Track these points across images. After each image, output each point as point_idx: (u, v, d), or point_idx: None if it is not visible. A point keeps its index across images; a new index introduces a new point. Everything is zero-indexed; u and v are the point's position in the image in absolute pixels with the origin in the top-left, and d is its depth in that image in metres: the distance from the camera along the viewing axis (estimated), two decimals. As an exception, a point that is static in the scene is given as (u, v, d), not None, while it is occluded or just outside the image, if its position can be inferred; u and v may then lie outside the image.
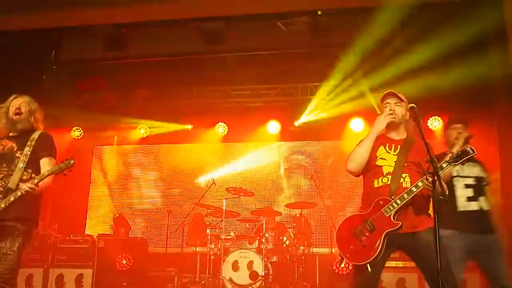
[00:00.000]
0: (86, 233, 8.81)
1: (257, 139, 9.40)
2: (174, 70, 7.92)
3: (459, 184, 4.30)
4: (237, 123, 9.32)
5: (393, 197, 3.47)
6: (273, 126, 9.26)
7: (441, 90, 6.94)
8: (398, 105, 3.72)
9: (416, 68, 6.76)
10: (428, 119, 8.41)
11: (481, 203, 4.29)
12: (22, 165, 3.78)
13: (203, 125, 9.49)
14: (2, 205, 3.61)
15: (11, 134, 4.01)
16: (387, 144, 3.73)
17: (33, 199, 3.76)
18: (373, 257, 3.40)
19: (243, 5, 6.38)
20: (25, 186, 3.60)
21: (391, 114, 3.68)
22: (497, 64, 6.10)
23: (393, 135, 3.79)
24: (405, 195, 3.43)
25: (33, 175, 3.73)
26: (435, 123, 8.40)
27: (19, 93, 4.10)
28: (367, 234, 3.47)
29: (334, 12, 6.67)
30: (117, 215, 8.41)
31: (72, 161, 3.68)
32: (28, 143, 3.87)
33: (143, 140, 9.70)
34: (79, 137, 9.65)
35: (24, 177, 3.76)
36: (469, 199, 4.28)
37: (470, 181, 4.32)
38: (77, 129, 9.64)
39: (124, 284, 7.28)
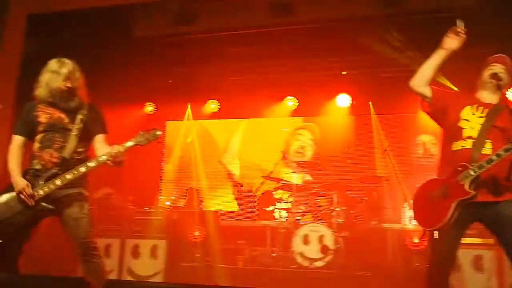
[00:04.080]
0: (159, 205, 9.07)
1: (326, 113, 9.29)
2: (243, 44, 7.87)
3: None
4: (306, 96, 9.22)
5: (472, 164, 3.25)
6: (343, 99, 9.09)
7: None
8: (502, 72, 3.53)
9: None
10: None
11: None
12: (76, 136, 3.66)
13: (272, 99, 9.45)
14: (69, 176, 3.50)
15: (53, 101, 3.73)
16: (475, 105, 3.51)
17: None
18: (442, 223, 3.25)
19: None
20: (120, 148, 3.49)
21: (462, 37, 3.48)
22: None
23: (484, 97, 3.56)
24: (484, 163, 3.19)
25: (114, 145, 3.55)
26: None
27: (63, 59, 3.79)
28: (440, 200, 3.32)
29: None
30: (189, 188, 8.55)
31: (159, 132, 3.57)
32: (80, 115, 3.71)
33: (215, 115, 9.79)
34: (152, 112, 9.87)
35: (79, 149, 3.68)
36: None
37: None
38: (150, 104, 9.85)
39: (197, 255, 7.45)
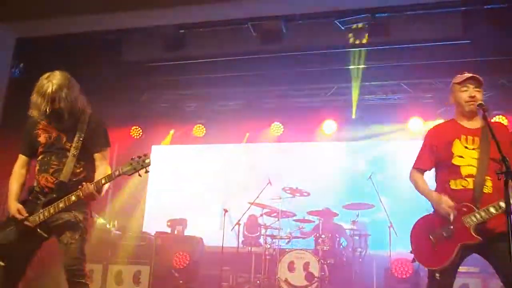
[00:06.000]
0: (143, 230, 8.98)
1: (313, 139, 9.34)
2: (231, 70, 7.93)
3: None
4: (293, 122, 9.28)
5: (478, 205, 3.21)
6: (329, 126, 9.16)
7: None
8: (477, 91, 3.44)
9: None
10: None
11: None
12: (73, 156, 3.56)
13: (259, 125, 9.49)
14: (61, 205, 3.44)
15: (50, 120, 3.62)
16: (463, 137, 3.42)
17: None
18: (444, 265, 3.24)
19: (301, 4, 6.27)
20: (91, 188, 3.40)
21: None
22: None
23: (468, 123, 3.49)
24: (491, 209, 3.15)
25: (103, 179, 3.44)
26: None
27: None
28: (442, 240, 3.27)
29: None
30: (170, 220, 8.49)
31: (148, 160, 3.39)
32: (78, 133, 3.62)
33: (200, 140, 9.77)
34: (138, 137, 9.82)
35: (77, 170, 3.59)
36: None
37: None
38: (136, 128, 9.81)
39: (181, 281, 7.37)
